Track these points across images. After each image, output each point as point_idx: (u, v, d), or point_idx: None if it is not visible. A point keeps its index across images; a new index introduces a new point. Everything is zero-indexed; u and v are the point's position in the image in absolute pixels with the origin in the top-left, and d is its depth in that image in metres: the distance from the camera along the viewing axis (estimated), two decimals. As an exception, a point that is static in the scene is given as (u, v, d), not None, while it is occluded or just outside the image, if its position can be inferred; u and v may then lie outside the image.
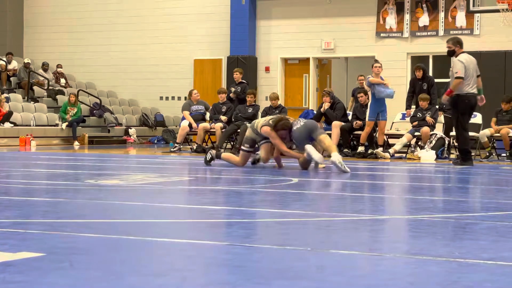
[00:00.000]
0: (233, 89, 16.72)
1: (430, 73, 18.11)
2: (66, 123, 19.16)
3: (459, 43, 11.89)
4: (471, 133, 14.83)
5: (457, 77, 11.50)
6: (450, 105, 12.26)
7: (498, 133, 14.20)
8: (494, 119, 14.52)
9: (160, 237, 4.32)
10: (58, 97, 21.08)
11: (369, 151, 14.39)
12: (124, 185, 7.81)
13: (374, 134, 14.60)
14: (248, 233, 4.63)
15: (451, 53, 11.88)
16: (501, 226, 4.96)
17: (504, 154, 14.23)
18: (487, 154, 14.37)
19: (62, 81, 22.25)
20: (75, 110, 19.44)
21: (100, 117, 21.03)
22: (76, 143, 18.90)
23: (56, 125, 19.55)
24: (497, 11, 15.35)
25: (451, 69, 11.94)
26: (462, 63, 11.56)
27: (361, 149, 14.52)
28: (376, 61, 14.85)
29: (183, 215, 5.65)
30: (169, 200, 6.68)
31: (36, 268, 3.33)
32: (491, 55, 18.48)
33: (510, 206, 6.38)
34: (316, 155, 10.06)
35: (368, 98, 14.76)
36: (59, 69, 22.33)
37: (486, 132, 14.35)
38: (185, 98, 21.13)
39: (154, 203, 6.28)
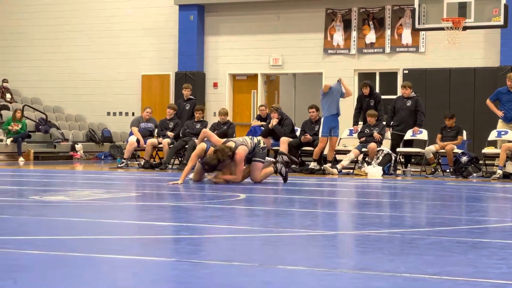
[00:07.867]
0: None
1: (377, 90, 18.30)
2: (11, 138, 18.85)
3: None
4: (417, 149, 15.06)
5: None
6: None
7: (443, 149, 14.39)
8: (439, 136, 14.71)
9: (105, 253, 4.26)
10: (3, 112, 20.74)
11: (317, 167, 14.43)
12: (70, 201, 7.70)
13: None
14: (195, 249, 4.59)
15: None
16: (446, 241, 5.01)
17: (449, 170, 14.42)
18: (433, 170, 14.54)
19: (8, 96, 21.91)
20: (20, 126, 19.15)
21: (46, 133, 20.74)
22: (21, 159, 18.59)
23: (1, 140, 19.22)
24: (442, 29, 15.59)
25: None
26: None
27: (313, 164, 14.54)
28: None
29: (129, 231, 5.59)
30: (116, 216, 6.61)
31: (-24, 286, 3.25)
32: (436, 72, 18.77)
33: (455, 221, 6.46)
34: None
35: (318, 114, 14.86)
36: (4, 84, 21.99)
37: (432, 148, 14.53)
38: (133, 114, 21.02)
39: (100, 219, 6.20)
